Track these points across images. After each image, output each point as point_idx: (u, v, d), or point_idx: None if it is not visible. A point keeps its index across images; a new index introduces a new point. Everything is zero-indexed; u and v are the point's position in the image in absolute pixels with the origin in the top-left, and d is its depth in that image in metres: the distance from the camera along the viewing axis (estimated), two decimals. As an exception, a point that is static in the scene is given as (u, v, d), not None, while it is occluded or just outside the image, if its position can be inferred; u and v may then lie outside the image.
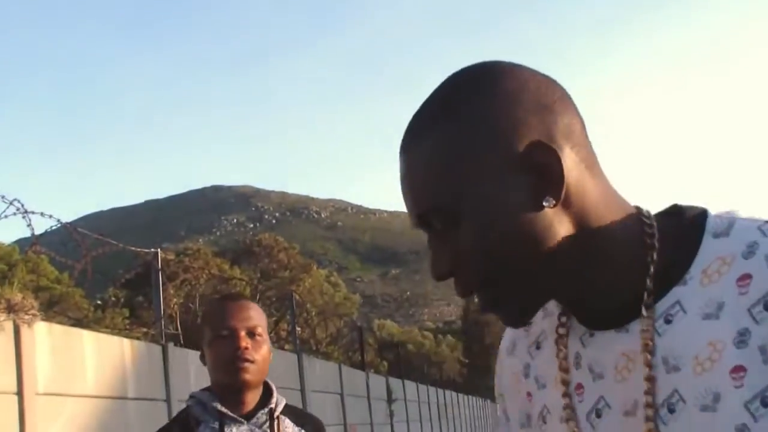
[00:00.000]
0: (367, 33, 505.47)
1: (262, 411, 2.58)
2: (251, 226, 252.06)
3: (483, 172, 1.00)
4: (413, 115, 1.07)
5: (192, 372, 6.73)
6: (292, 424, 2.66)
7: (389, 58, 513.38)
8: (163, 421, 6.06)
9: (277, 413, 2.60)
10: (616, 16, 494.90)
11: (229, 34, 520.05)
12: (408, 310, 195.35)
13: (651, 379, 1.01)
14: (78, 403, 5.16)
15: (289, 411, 2.70)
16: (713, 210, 1.08)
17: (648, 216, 1.08)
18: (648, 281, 1.03)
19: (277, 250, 40.12)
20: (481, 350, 79.71)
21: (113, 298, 27.04)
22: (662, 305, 1.02)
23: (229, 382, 2.55)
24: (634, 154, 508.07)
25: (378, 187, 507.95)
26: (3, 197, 5.78)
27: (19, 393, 4.62)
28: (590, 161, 1.05)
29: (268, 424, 2.57)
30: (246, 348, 2.52)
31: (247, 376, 2.54)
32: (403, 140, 1.07)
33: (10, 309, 4.68)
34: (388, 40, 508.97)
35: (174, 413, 6.32)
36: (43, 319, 5.02)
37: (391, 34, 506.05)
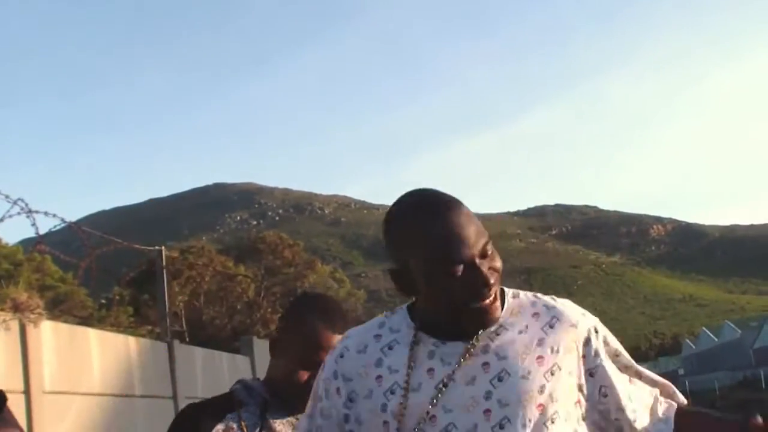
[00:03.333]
0: (371, 31, 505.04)
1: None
2: (255, 223, 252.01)
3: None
4: (436, 192, 1.94)
5: (198, 368, 6.75)
6: None
7: (392, 57, 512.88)
8: (170, 417, 6.07)
9: None
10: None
11: (232, 33, 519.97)
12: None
13: (486, 364, 1.86)
14: (85, 401, 5.17)
15: None
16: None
17: None
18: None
19: (282, 246, 40.12)
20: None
21: (118, 297, 27.03)
22: (492, 327, 1.90)
23: (295, 402, 2.46)
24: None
25: (381, 182, 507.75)
26: (7, 197, 5.78)
27: (27, 392, 4.63)
28: None
29: None
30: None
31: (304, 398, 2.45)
32: (446, 202, 1.88)
33: (16, 308, 4.69)
34: (392, 40, 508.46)
35: (181, 410, 6.32)
36: (48, 318, 5.03)
37: (395, 33, 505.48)
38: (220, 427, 2.49)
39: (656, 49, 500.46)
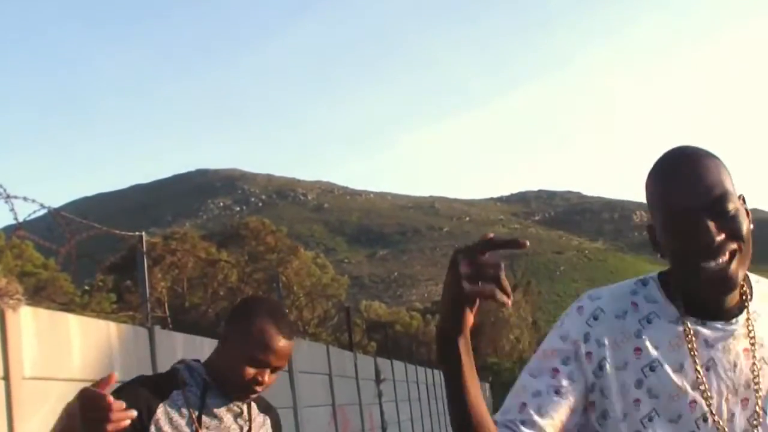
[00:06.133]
0: (351, 14, 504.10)
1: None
2: (237, 209, 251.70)
3: (736, 197, 1.84)
4: (687, 147, 1.89)
5: (179, 354, 6.73)
6: (256, 410, 2.87)
7: (374, 39, 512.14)
8: (151, 403, 6.05)
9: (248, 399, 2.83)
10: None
11: (211, 17, 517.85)
12: (396, 290, 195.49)
13: (746, 350, 1.84)
14: (65, 387, 5.15)
15: (256, 398, 2.87)
16: None
17: None
18: (747, 299, 1.89)
19: (264, 233, 40.14)
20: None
21: (101, 283, 26.97)
22: (749, 314, 1.88)
23: (232, 393, 2.73)
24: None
25: (364, 168, 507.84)
26: (-16, 182, 5.72)
27: (6, 377, 4.61)
28: None
29: (243, 407, 2.80)
30: (265, 383, 2.71)
31: (249, 399, 2.77)
32: (687, 155, 1.84)
33: (-5, 294, 4.66)
34: (373, 22, 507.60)
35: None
36: (28, 304, 5.01)
37: (375, 16, 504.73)
38: (165, 404, 2.66)
39: (636, 33, 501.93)
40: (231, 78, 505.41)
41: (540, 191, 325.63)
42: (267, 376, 2.70)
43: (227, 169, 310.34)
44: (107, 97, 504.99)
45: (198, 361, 2.82)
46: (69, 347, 5.30)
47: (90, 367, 5.47)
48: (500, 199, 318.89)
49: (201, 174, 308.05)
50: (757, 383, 1.81)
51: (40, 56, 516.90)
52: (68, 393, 5.11)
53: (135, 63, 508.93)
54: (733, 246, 1.78)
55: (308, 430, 10.41)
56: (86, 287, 28.59)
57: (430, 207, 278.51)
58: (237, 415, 2.77)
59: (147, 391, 2.66)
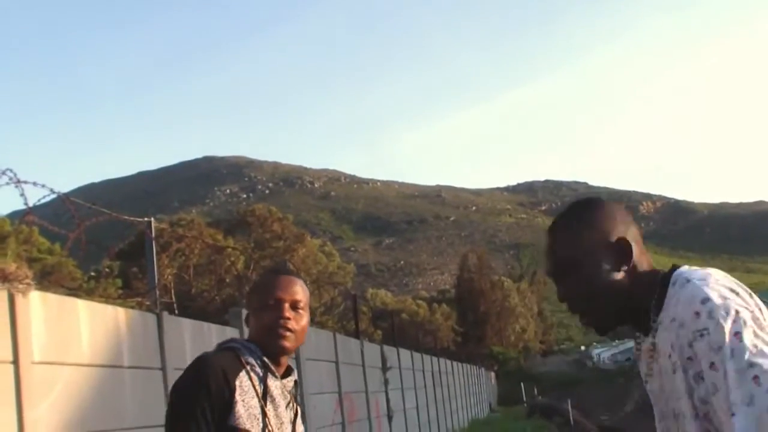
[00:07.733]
0: (362, 4, 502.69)
1: (292, 377, 2.97)
2: (244, 196, 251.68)
3: (594, 249, 2.18)
4: (559, 215, 2.33)
5: (187, 340, 6.76)
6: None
7: (384, 30, 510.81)
8: (159, 388, 6.09)
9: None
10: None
11: (220, 6, 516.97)
12: (402, 279, 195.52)
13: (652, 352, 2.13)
14: (74, 372, 5.18)
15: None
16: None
17: (657, 281, 2.12)
18: (652, 319, 2.10)
19: (271, 220, 40.08)
20: (475, 318, 79.75)
21: (107, 269, 26.99)
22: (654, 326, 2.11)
23: (269, 345, 2.86)
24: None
25: (371, 156, 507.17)
26: (-6, 167, 5.73)
27: (15, 362, 4.63)
28: (642, 250, 2.17)
29: (293, 389, 2.97)
30: (288, 318, 2.87)
31: (286, 343, 2.88)
32: (555, 218, 2.35)
33: (5, 278, 4.68)
34: (383, 14, 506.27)
35: (169, 381, 6.32)
36: (37, 289, 5.03)
37: (386, 8, 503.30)
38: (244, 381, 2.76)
39: (645, 26, 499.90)
40: (239, 66, 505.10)
41: (547, 181, 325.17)
42: (287, 311, 2.87)
43: (234, 157, 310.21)
44: (115, 84, 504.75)
45: (248, 341, 2.94)
46: (78, 332, 5.33)
47: (99, 352, 5.49)
48: (507, 189, 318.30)
49: (208, 161, 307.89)
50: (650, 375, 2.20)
51: (48, 44, 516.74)
52: (77, 377, 5.15)
53: (143, 50, 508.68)
54: (575, 303, 2.19)
55: (314, 416, 10.45)
56: (92, 273, 28.61)
57: (437, 196, 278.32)
58: (288, 404, 2.91)
59: (226, 373, 2.73)
